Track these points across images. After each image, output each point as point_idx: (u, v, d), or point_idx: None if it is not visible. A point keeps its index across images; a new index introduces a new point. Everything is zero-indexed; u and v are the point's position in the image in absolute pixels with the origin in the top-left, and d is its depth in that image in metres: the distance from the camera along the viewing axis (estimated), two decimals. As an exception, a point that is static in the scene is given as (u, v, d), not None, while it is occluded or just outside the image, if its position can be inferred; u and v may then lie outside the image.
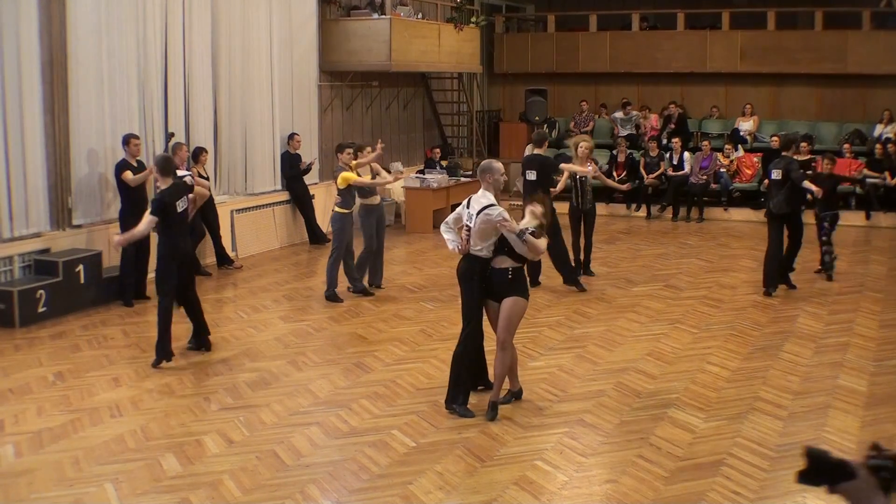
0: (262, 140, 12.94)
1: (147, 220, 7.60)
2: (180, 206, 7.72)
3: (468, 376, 6.66)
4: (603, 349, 8.15)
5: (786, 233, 10.08)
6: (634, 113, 17.66)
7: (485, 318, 6.61)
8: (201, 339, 8.12)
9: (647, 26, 18.84)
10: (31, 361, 7.87)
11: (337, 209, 9.87)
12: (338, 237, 9.85)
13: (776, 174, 9.91)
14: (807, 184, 9.90)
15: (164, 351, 7.70)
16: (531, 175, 10.19)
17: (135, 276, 9.83)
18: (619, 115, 17.79)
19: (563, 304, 9.81)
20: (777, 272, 10.13)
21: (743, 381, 7.28)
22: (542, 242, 6.44)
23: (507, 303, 6.38)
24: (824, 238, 10.81)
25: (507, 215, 6.32)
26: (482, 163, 6.74)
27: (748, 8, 18.11)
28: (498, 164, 6.62)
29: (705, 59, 17.89)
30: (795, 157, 10.56)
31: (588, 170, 10.55)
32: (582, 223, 10.82)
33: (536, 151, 10.36)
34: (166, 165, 7.76)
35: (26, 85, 9.38)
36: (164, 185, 7.69)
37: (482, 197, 6.46)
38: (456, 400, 6.58)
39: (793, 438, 6.07)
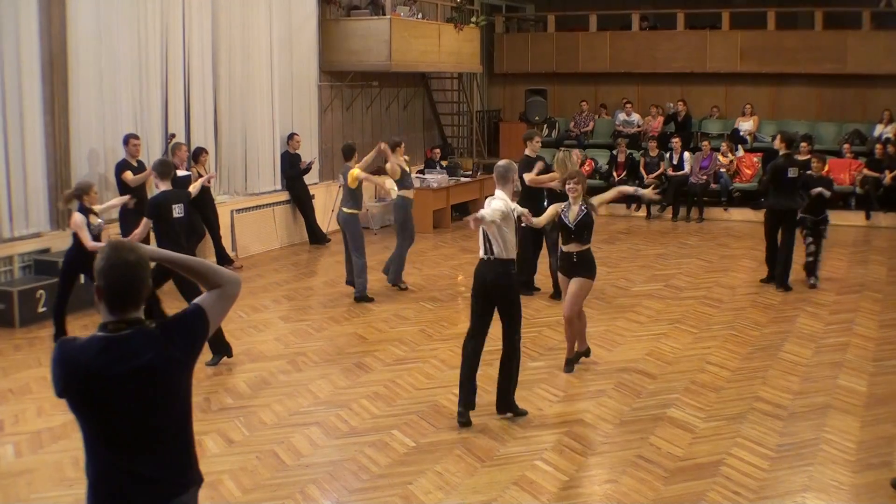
0: (262, 140, 12.93)
1: (143, 223, 7.65)
2: (176, 211, 7.69)
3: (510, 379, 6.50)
4: (603, 349, 8.15)
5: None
6: (636, 115, 17.64)
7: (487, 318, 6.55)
8: None
9: (647, 26, 18.83)
10: (31, 361, 7.88)
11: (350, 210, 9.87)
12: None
13: (793, 172, 10.00)
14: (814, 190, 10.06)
15: None
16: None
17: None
18: (622, 116, 17.75)
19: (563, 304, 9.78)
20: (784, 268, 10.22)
21: (743, 381, 7.28)
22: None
23: (573, 283, 7.27)
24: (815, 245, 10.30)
25: (495, 215, 6.11)
26: (502, 163, 6.47)
27: (748, 8, 18.09)
28: (515, 165, 6.60)
29: (705, 59, 17.89)
30: (796, 156, 10.56)
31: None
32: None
33: (526, 152, 9.95)
34: (164, 170, 7.78)
35: (26, 85, 9.39)
36: (163, 187, 7.72)
37: (496, 198, 6.31)
38: (507, 405, 6.50)
39: (793, 438, 6.08)
